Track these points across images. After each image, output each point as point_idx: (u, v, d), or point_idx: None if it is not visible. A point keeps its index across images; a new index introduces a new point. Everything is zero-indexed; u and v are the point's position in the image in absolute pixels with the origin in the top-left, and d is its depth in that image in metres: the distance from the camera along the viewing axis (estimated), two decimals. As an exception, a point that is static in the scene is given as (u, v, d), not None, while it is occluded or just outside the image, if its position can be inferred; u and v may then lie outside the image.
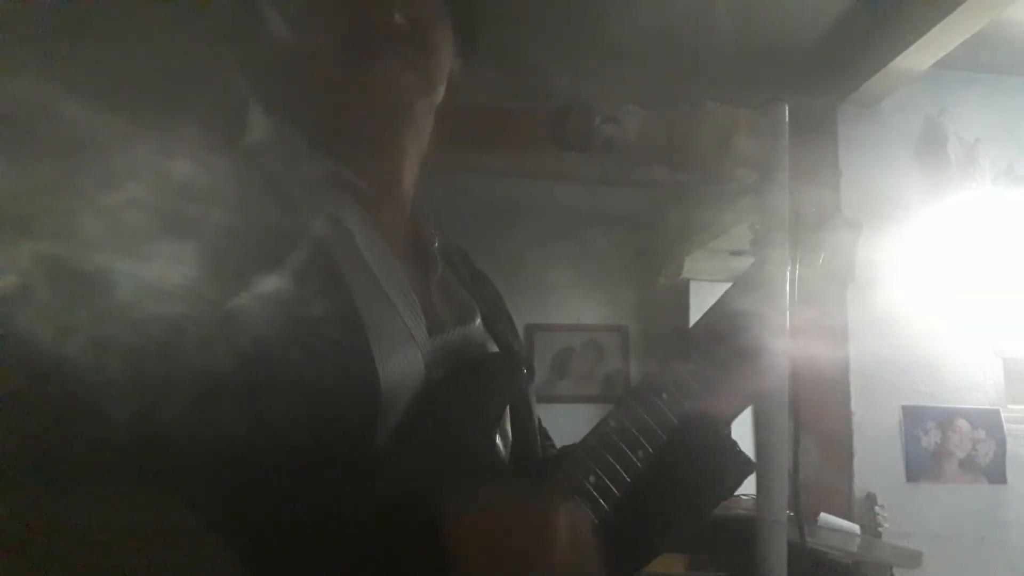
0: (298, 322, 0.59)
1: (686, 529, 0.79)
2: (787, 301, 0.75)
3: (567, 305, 4.28)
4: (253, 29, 0.71)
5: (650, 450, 0.71)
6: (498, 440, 0.75)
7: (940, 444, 2.50)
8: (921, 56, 2.29)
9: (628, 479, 0.70)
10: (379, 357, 0.64)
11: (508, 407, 0.76)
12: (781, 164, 0.76)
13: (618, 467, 0.69)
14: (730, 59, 2.46)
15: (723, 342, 0.76)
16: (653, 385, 0.74)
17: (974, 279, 2.53)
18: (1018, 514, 2.49)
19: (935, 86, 2.61)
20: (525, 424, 0.79)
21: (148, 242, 0.56)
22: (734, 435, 0.80)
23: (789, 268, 0.76)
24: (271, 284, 0.59)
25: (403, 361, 0.66)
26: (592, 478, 0.68)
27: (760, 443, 0.75)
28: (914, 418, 2.49)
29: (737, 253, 3.39)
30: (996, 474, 2.51)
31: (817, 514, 2.16)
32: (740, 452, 0.79)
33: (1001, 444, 2.52)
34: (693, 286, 4.03)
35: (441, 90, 0.76)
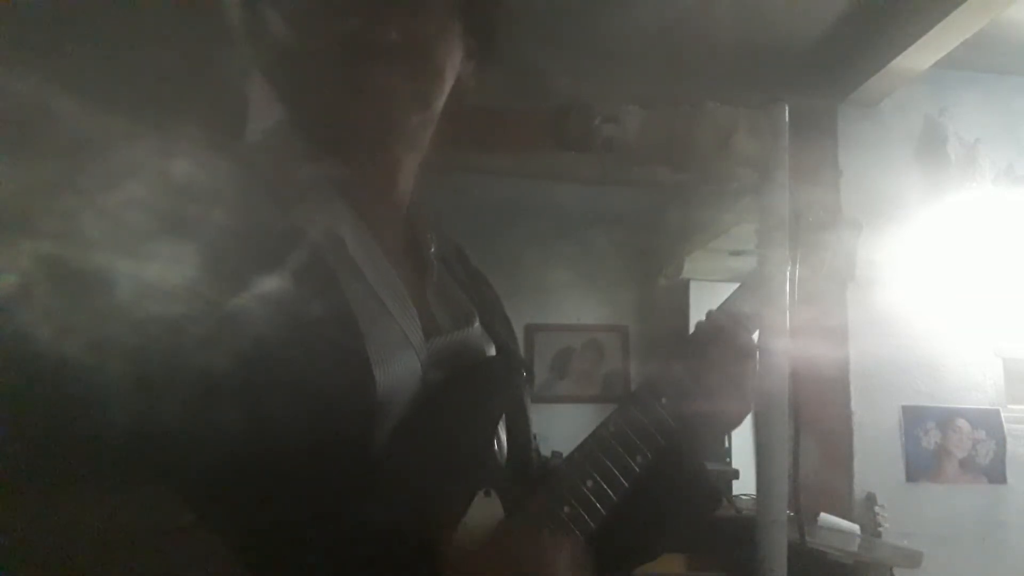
0: (293, 325, 0.59)
1: (658, 550, 0.81)
2: (787, 301, 0.75)
3: (567, 305, 4.28)
4: (252, 30, 0.71)
5: (648, 455, 0.71)
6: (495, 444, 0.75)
7: (940, 444, 2.50)
8: (921, 56, 2.28)
9: (626, 484, 0.70)
10: (375, 360, 0.64)
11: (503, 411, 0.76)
12: (781, 164, 0.76)
13: (616, 472, 0.69)
14: (730, 59, 2.46)
15: (719, 341, 0.76)
16: (653, 389, 0.74)
17: (974, 279, 2.53)
18: (1018, 514, 2.49)
19: (935, 86, 2.61)
20: (520, 428, 0.79)
21: (146, 242, 0.56)
22: (734, 435, 0.80)
23: (789, 268, 0.76)
24: (266, 286, 0.59)
25: (399, 364, 0.66)
26: (589, 483, 0.68)
27: (760, 443, 0.76)
28: (914, 418, 2.49)
29: (737, 253, 3.39)
30: (996, 474, 2.51)
31: (817, 514, 2.16)
32: (710, 484, 0.80)
33: (1001, 444, 2.52)
34: (693, 286, 4.03)
35: (440, 102, 0.75)
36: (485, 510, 0.66)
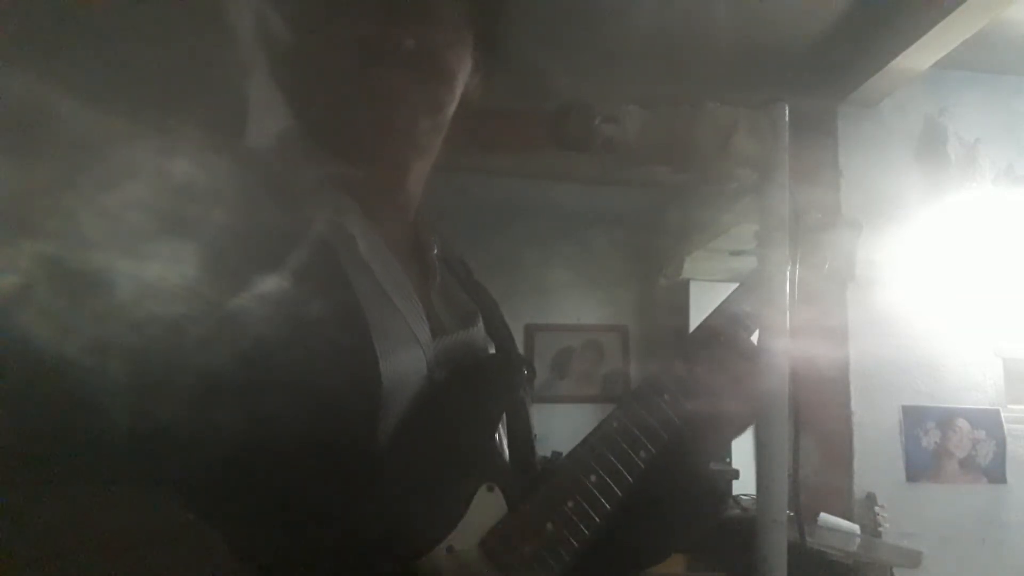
0: (302, 321, 0.60)
1: (666, 552, 0.80)
2: (787, 301, 0.75)
3: (567, 305, 4.28)
4: (262, 33, 0.71)
5: (652, 450, 0.71)
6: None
7: (940, 444, 2.50)
8: (921, 56, 2.28)
9: (630, 479, 0.70)
10: (381, 355, 0.64)
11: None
12: (781, 164, 0.76)
13: (620, 466, 0.70)
14: (730, 59, 2.46)
15: (724, 344, 0.76)
16: (655, 385, 0.74)
17: (974, 279, 2.53)
18: (1018, 514, 2.49)
19: (935, 86, 2.61)
20: (521, 425, 0.79)
21: (151, 242, 0.56)
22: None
23: (789, 268, 0.76)
24: (274, 284, 0.59)
25: (406, 361, 0.66)
26: (593, 477, 0.68)
27: (760, 443, 0.76)
28: (914, 418, 2.49)
29: (737, 253, 3.38)
30: (996, 474, 2.51)
31: (817, 514, 2.16)
32: (714, 485, 0.80)
33: (1001, 444, 2.52)
34: (693, 286, 4.03)
35: (451, 109, 0.76)
36: (488, 505, 0.66)
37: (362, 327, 0.64)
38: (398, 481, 0.63)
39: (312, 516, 0.58)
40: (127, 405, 0.52)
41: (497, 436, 0.75)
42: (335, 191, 0.72)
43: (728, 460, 3.09)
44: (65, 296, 0.53)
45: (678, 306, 3.99)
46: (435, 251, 0.80)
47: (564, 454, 0.77)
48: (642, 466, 0.71)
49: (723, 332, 0.78)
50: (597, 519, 0.68)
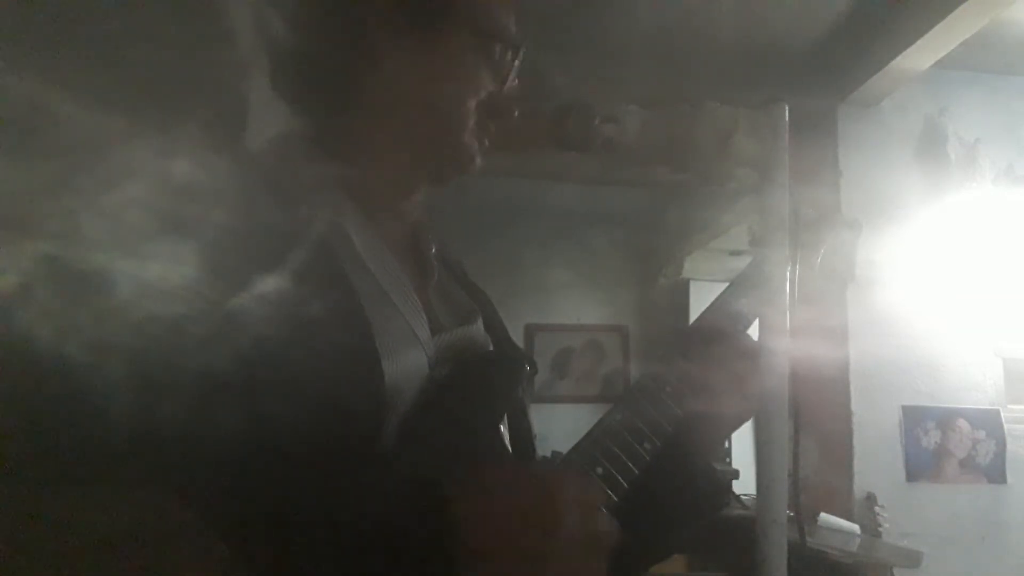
0: (303, 321, 0.60)
1: (669, 550, 0.80)
2: (787, 301, 0.75)
3: (567, 305, 4.28)
4: (260, 30, 0.71)
5: (656, 442, 0.72)
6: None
7: (940, 444, 2.50)
8: (921, 56, 2.28)
9: (635, 470, 0.70)
10: (383, 354, 0.64)
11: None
12: (781, 164, 0.76)
13: (625, 458, 0.70)
14: (730, 59, 2.46)
15: (721, 342, 0.77)
16: (657, 379, 0.75)
17: (974, 279, 2.53)
18: (1018, 514, 2.49)
19: (935, 86, 2.61)
20: (521, 422, 0.80)
21: (151, 243, 0.56)
22: (734, 435, 0.81)
23: (789, 268, 0.76)
24: (275, 284, 0.59)
25: (407, 359, 0.66)
26: (599, 469, 0.69)
27: (760, 443, 0.75)
28: (914, 418, 2.49)
29: (737, 253, 3.39)
30: (996, 474, 2.51)
31: (817, 514, 2.16)
32: (716, 480, 0.80)
33: (1001, 444, 2.52)
34: (693, 286, 4.04)
35: None
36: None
37: (363, 326, 0.64)
38: (404, 481, 0.62)
39: (317, 517, 0.58)
40: (128, 405, 0.52)
41: (500, 433, 0.75)
42: (332, 192, 0.72)
43: (728, 460, 3.09)
44: (65, 296, 0.53)
45: (678, 306, 3.99)
46: (433, 250, 0.80)
47: (563, 453, 0.77)
48: (647, 458, 0.71)
49: (718, 327, 0.78)
50: (604, 512, 0.68)
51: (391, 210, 0.78)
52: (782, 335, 0.75)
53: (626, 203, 4.00)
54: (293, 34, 0.70)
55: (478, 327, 0.79)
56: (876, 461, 2.45)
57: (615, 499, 0.69)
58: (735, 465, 3.11)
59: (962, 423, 2.51)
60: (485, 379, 0.73)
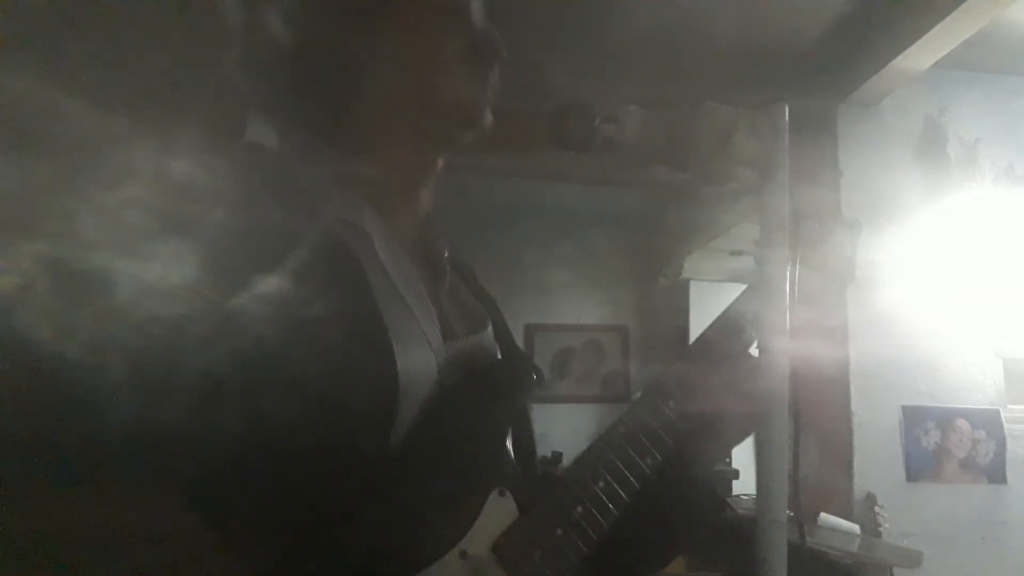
0: (320, 321, 0.59)
1: (668, 558, 0.81)
2: (787, 301, 0.75)
3: (567, 305, 4.28)
4: (261, 32, 0.71)
5: (658, 456, 0.72)
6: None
7: (940, 444, 2.49)
8: (921, 56, 2.28)
9: (637, 485, 0.70)
10: (397, 356, 0.64)
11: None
12: (781, 164, 0.76)
13: (627, 473, 0.70)
14: (730, 59, 2.46)
15: (724, 354, 0.77)
16: (661, 392, 0.74)
17: (974, 279, 2.53)
18: (1018, 514, 2.49)
19: (935, 86, 2.61)
20: (524, 428, 0.80)
21: (164, 243, 0.56)
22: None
23: (789, 268, 0.76)
24: (292, 284, 0.59)
25: (418, 364, 0.67)
26: (601, 483, 0.69)
27: (760, 443, 0.75)
28: (914, 418, 2.49)
29: (737, 253, 3.39)
30: (996, 474, 2.51)
31: (817, 514, 2.16)
32: (714, 491, 0.81)
33: (1001, 444, 2.52)
34: (693, 286, 4.03)
35: None
36: (500, 510, 0.66)
37: (380, 327, 0.64)
38: (411, 486, 0.62)
39: (323, 520, 0.58)
40: (130, 405, 0.52)
41: (505, 440, 0.75)
42: (349, 191, 0.72)
43: (728, 460, 3.09)
44: (65, 296, 0.53)
45: (678, 306, 3.99)
46: (446, 253, 0.80)
47: (563, 453, 0.77)
48: (648, 472, 0.71)
49: (723, 343, 0.78)
50: (605, 525, 0.68)
51: (406, 205, 0.77)
52: (782, 335, 0.75)
53: (626, 203, 4.00)
54: (284, 31, 0.70)
55: (488, 334, 0.79)
56: (876, 461, 2.45)
57: (615, 513, 0.69)
58: (735, 465, 3.11)
59: (962, 423, 2.51)
60: (493, 388, 0.73)
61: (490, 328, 0.80)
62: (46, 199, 0.55)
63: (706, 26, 2.32)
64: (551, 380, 4.17)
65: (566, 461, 0.79)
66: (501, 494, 0.67)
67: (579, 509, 0.68)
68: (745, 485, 2.88)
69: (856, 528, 2.24)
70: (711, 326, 0.80)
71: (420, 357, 0.67)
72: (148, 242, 0.56)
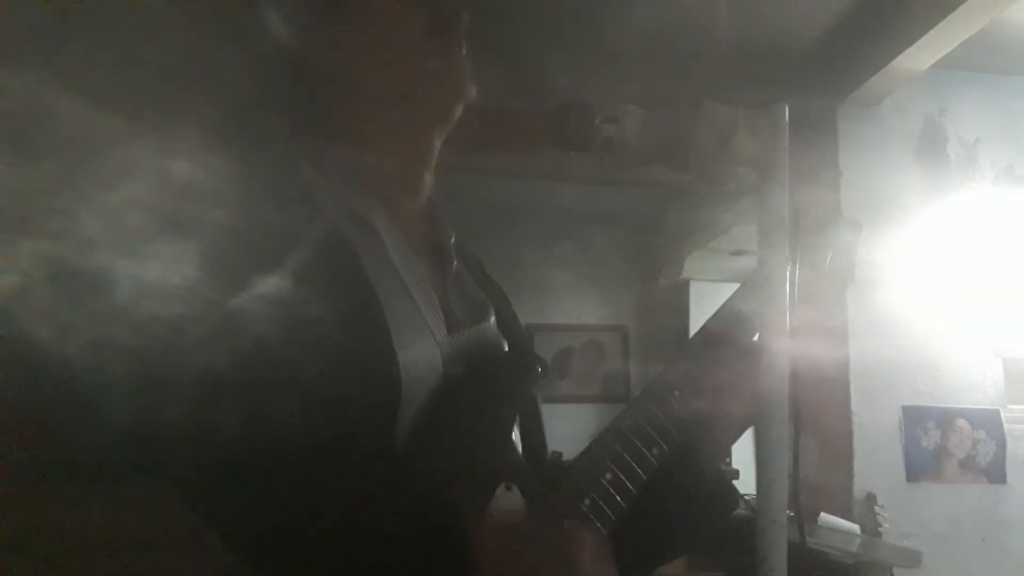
0: (321, 316, 0.60)
1: (675, 553, 0.81)
2: (787, 301, 0.75)
3: (567, 305, 4.28)
4: (266, 29, 0.71)
5: (665, 448, 0.72)
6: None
7: (940, 444, 2.49)
8: (921, 56, 2.28)
9: (644, 476, 0.70)
10: (399, 350, 0.64)
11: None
12: (781, 164, 0.75)
13: (635, 464, 0.70)
14: (730, 59, 2.46)
15: (727, 344, 0.77)
16: (666, 383, 0.75)
17: (974, 279, 2.53)
18: (1018, 514, 2.49)
19: (935, 86, 2.61)
20: (533, 424, 0.80)
21: (159, 242, 0.56)
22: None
23: (789, 268, 0.76)
24: (294, 279, 0.59)
25: (422, 357, 0.67)
26: (608, 475, 0.69)
27: (760, 443, 0.75)
28: (914, 418, 2.49)
29: (737, 253, 3.39)
30: (996, 474, 2.51)
31: (817, 514, 2.16)
32: (726, 484, 0.81)
33: (1001, 444, 2.52)
34: (693, 286, 4.03)
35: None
36: (507, 504, 0.66)
37: (381, 323, 0.64)
38: (416, 481, 0.62)
39: (331, 516, 0.57)
40: (133, 405, 0.52)
41: (513, 435, 0.75)
42: (352, 185, 0.72)
43: (728, 460, 3.09)
44: (76, 296, 0.53)
45: (678, 306, 3.99)
46: (452, 240, 0.80)
47: (563, 454, 0.77)
48: (655, 464, 0.71)
49: (726, 332, 0.78)
50: (613, 517, 0.68)
51: (410, 192, 0.78)
52: (782, 335, 0.74)
53: (626, 203, 4.00)
54: (279, 28, 0.70)
55: (491, 325, 0.79)
56: (876, 461, 2.45)
57: (623, 505, 0.69)
58: (735, 465, 3.11)
59: (962, 423, 2.51)
60: (498, 381, 0.73)
61: (493, 318, 0.80)
62: (46, 199, 0.55)
63: (706, 26, 2.32)
64: (551, 380, 4.17)
65: (566, 461, 0.79)
66: (508, 489, 0.67)
67: (587, 502, 0.68)
68: (745, 485, 2.87)
69: (856, 528, 2.24)
70: (713, 317, 0.80)
71: (424, 350, 0.67)
72: (148, 242, 0.56)
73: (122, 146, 0.59)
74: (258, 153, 0.72)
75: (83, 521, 0.52)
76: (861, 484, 2.42)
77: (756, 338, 0.78)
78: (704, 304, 3.82)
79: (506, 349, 0.80)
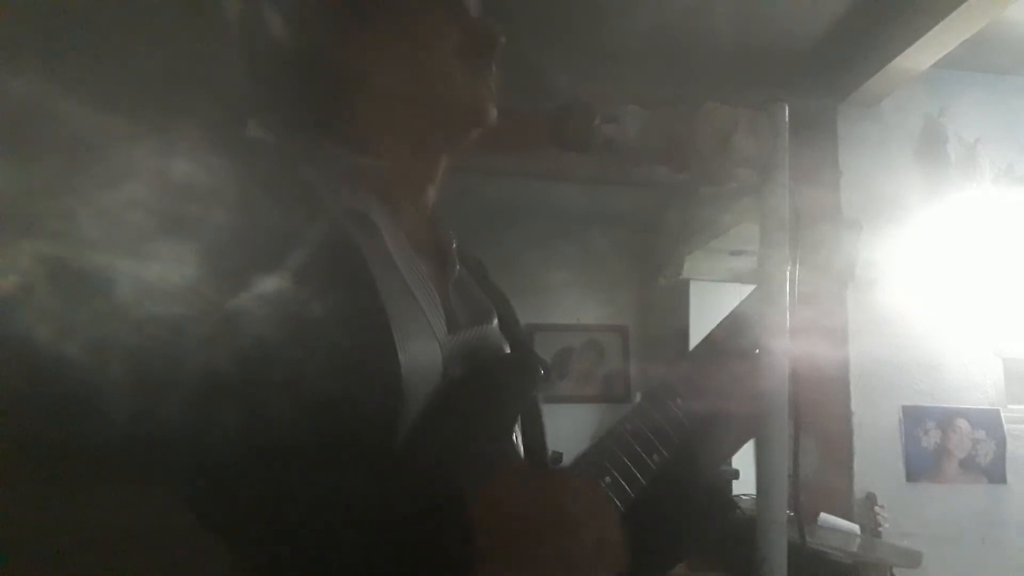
0: (322, 316, 0.59)
1: (675, 559, 0.81)
2: (787, 301, 0.75)
3: (567, 305, 4.28)
4: (261, 32, 0.71)
5: (665, 453, 0.72)
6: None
7: (940, 444, 2.49)
8: (921, 56, 2.28)
9: (643, 480, 0.70)
10: (400, 350, 0.64)
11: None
12: (781, 164, 0.76)
13: (633, 469, 0.70)
14: (730, 59, 2.46)
15: (731, 354, 0.77)
16: (668, 388, 0.75)
17: (974, 279, 2.53)
18: (1018, 514, 2.49)
19: (935, 86, 2.61)
20: (535, 426, 0.79)
21: (159, 242, 0.56)
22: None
23: (789, 268, 0.76)
24: (296, 278, 0.59)
25: (423, 357, 0.66)
26: (607, 478, 0.69)
27: (760, 443, 0.75)
28: (914, 418, 2.49)
29: (737, 253, 3.39)
30: (996, 474, 2.51)
31: (817, 514, 2.16)
32: (724, 492, 0.81)
33: (1001, 444, 2.52)
34: (693, 286, 4.03)
35: None
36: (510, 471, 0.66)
37: (382, 322, 0.64)
38: (417, 482, 0.62)
39: (327, 516, 0.57)
40: (133, 405, 0.52)
41: (514, 437, 0.75)
42: (357, 183, 0.72)
43: (728, 460, 3.09)
44: (66, 296, 0.53)
45: (678, 306, 3.98)
46: (454, 245, 0.80)
47: (563, 454, 0.77)
48: (654, 469, 0.71)
49: (730, 342, 0.78)
50: (616, 520, 0.68)
51: (413, 201, 0.78)
52: (782, 335, 0.74)
53: (626, 203, 3.99)
54: (283, 31, 0.70)
55: (493, 327, 0.79)
56: (876, 461, 2.45)
57: (622, 509, 0.68)
58: (735, 465, 3.11)
59: (962, 423, 2.51)
60: (499, 383, 0.73)
61: (495, 321, 0.80)
62: (46, 199, 0.55)
63: (706, 26, 2.32)
64: (551, 380, 4.17)
65: (565, 461, 0.79)
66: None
67: None
68: (745, 485, 2.87)
69: (856, 528, 2.24)
70: (718, 326, 0.80)
71: (425, 350, 0.67)
72: (148, 241, 0.56)
73: (122, 146, 0.59)
74: (258, 152, 0.72)
75: (83, 521, 0.52)
76: (861, 484, 2.42)
77: (753, 340, 0.78)
78: (704, 304, 3.82)
79: (507, 351, 0.80)
